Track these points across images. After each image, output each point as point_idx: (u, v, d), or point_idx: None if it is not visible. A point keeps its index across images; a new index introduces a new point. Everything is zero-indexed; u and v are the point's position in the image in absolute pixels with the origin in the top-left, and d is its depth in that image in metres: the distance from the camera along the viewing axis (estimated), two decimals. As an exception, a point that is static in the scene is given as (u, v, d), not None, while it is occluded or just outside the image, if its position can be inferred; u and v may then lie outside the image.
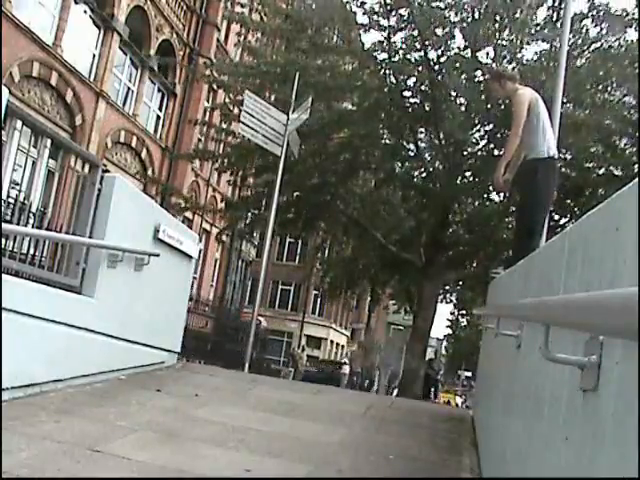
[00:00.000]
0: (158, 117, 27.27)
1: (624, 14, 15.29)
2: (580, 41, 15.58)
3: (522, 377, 3.60)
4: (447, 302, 30.06)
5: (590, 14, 15.26)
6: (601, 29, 15.40)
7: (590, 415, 1.95)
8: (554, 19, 15.37)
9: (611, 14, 15.08)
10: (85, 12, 21.71)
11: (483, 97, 15.71)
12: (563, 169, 14.98)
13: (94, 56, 22.42)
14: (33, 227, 6.17)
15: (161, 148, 26.74)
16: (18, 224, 5.87)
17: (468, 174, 17.76)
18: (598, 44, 15.56)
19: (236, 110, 16.72)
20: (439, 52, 16.29)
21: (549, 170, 6.28)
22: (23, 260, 5.76)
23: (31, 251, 6.03)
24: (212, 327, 25.88)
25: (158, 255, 7.19)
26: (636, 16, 15.00)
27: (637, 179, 1.77)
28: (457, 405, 39.36)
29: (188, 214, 24.61)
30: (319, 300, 51.82)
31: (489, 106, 15.87)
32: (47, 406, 5.18)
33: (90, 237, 6.31)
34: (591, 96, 15.54)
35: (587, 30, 15.43)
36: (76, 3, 20.97)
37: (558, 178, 7.32)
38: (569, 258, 2.69)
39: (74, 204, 6.35)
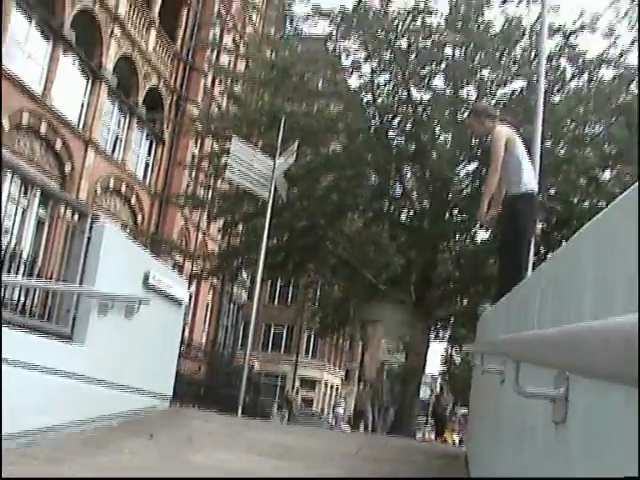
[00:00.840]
0: (147, 163, 27.48)
1: (601, 55, 15.65)
2: (558, 77, 15.90)
3: (506, 412, 3.67)
4: (440, 340, 29.98)
5: (562, 54, 15.63)
6: (576, 69, 15.76)
7: (561, 446, 2.03)
8: (530, 58, 15.71)
9: (580, 54, 15.47)
10: (73, 63, 22.02)
11: (467, 134, 15.97)
12: (549, 203, 15.21)
13: (83, 105, 22.67)
14: (24, 275, 6.23)
15: (150, 194, 26.89)
16: (9, 272, 5.93)
17: (455, 211, 17.93)
18: (573, 83, 15.92)
19: (224, 159, 16.90)
20: (422, 91, 16.61)
21: (528, 205, 6.42)
22: (14, 308, 5.81)
23: (22, 299, 6.09)
24: (205, 371, 25.73)
25: (148, 302, 7.25)
26: (608, 56, 15.37)
27: (592, 220, 1.87)
28: (454, 443, 38.92)
29: (178, 258, 24.67)
30: (312, 341, 51.62)
31: (473, 143, 16.12)
32: (38, 455, 5.18)
33: (80, 284, 6.37)
34: (570, 131, 15.82)
35: (564, 68, 15.79)
36: (65, 54, 21.27)
37: (539, 212, 7.47)
38: (542, 294, 2.79)
39: (64, 252, 6.43)
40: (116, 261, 6.91)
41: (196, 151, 27.92)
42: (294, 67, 16.97)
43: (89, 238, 6.51)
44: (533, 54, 15.34)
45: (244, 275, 27.51)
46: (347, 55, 16.92)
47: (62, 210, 6.60)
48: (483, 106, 10.45)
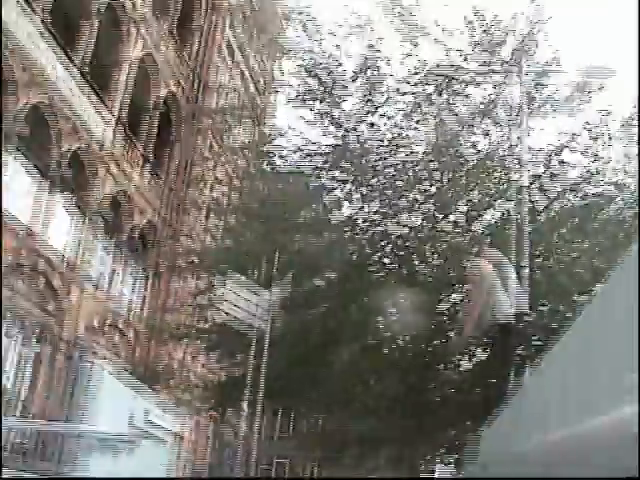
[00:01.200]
0: (144, 297, 27.63)
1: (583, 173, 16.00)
2: (543, 195, 16.18)
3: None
4: (447, 464, 29.09)
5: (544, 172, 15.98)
6: (559, 187, 16.07)
7: None
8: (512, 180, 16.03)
9: (562, 173, 15.81)
10: (66, 203, 22.56)
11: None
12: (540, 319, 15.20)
13: (76, 243, 22.93)
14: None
15: (147, 327, 26.87)
16: None
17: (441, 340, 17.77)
18: (558, 202, 16.16)
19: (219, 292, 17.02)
20: (400, 226, 16.75)
21: (506, 332, 6.55)
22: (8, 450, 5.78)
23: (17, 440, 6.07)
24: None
25: (141, 440, 7.19)
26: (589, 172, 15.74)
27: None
28: None
29: (178, 391, 24.35)
30: (315, 474, 49.98)
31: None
32: None
33: (73, 423, 6.35)
34: (558, 246, 15.91)
35: (545, 190, 16.08)
36: (56, 195, 21.80)
37: (519, 336, 7.49)
38: (523, 415, 2.83)
39: (61, 393, 6.46)
40: (109, 401, 6.90)
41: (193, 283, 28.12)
42: (284, 202, 17.26)
43: (83, 380, 6.56)
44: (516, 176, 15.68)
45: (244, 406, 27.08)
46: (330, 190, 17.20)
47: (56, 353, 6.69)
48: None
